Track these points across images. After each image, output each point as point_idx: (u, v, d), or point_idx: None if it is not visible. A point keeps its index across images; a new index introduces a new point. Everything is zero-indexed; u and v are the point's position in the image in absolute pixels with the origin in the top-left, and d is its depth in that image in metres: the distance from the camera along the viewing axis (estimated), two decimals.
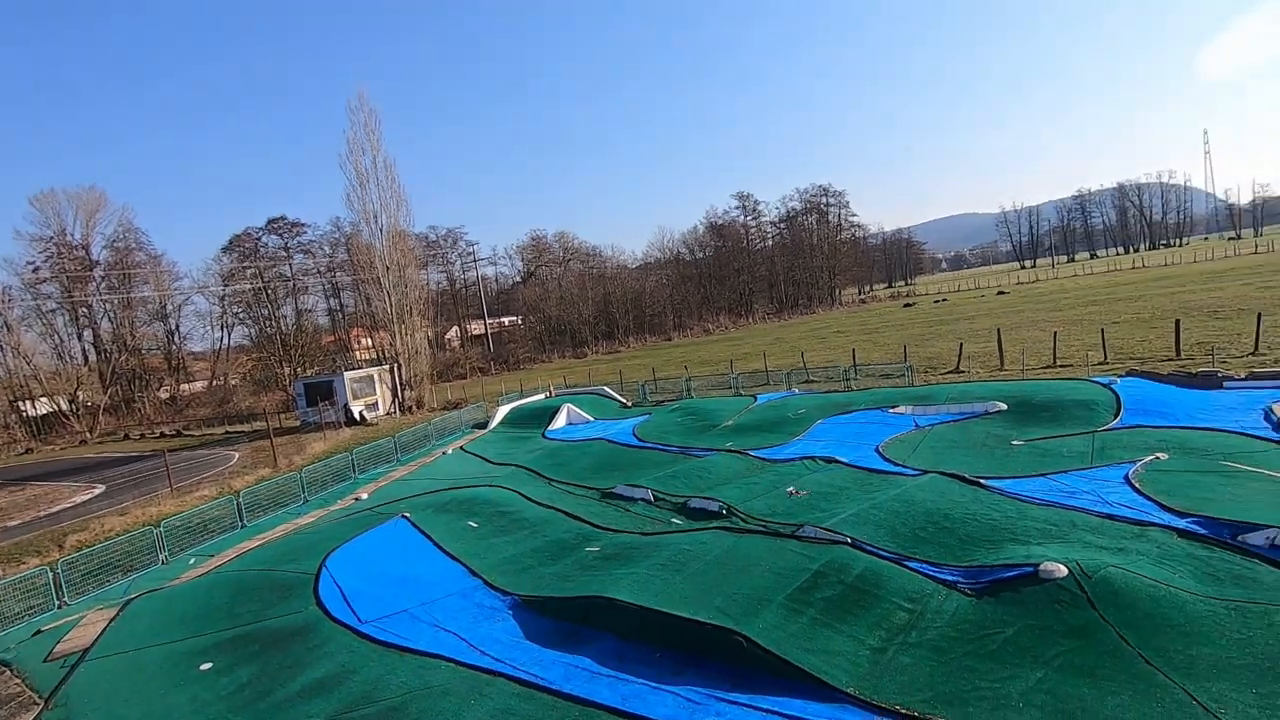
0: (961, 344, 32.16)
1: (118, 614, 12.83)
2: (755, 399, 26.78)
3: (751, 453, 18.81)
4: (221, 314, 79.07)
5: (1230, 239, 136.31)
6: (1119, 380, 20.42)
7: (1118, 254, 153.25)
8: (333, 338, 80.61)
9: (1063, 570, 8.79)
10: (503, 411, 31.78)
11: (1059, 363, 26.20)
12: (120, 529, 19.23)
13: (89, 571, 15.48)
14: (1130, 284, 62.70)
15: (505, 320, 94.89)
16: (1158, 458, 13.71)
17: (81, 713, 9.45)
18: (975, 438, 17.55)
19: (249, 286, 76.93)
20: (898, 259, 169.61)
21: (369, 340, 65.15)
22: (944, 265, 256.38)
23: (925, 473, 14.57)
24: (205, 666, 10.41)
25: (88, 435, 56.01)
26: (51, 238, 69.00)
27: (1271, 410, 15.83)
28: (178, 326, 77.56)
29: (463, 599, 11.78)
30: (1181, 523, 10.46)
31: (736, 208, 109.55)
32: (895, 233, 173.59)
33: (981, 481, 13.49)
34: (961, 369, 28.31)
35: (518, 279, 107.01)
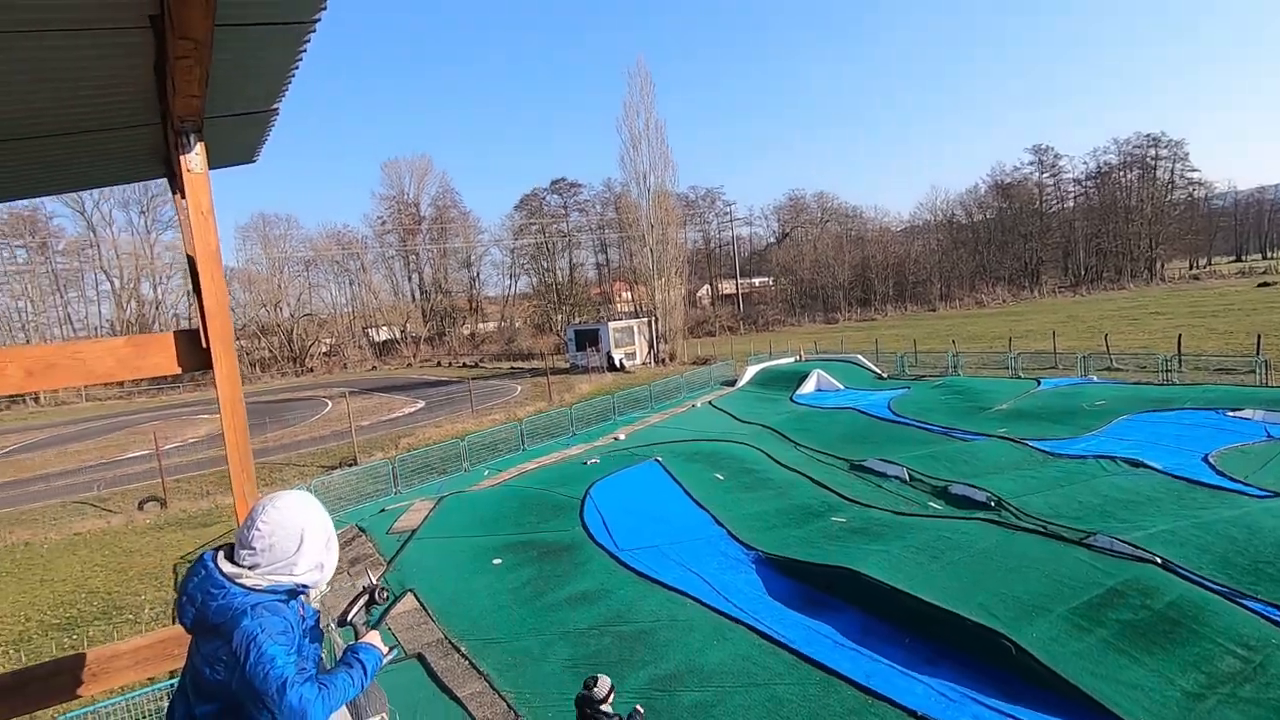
0: None
1: (434, 507, 15.79)
2: (1038, 383, 23.51)
3: (1030, 443, 16.63)
4: (511, 264, 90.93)
5: None
6: None
7: None
8: (599, 290, 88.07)
9: None
10: (751, 371, 32.11)
11: None
12: (436, 438, 23.51)
13: (414, 469, 19.27)
14: None
15: (756, 281, 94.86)
16: None
17: (412, 578, 11.89)
18: None
19: (533, 241, 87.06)
20: (1253, 225, 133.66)
21: (630, 294, 69.92)
22: None
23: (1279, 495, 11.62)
24: (496, 561, 12.40)
25: (412, 360, 69.03)
26: (394, 196, 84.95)
27: None
28: (478, 274, 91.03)
29: (708, 545, 12.35)
30: None
31: (1030, 163, 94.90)
32: (1252, 192, 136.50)
33: None
34: None
35: (772, 240, 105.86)
